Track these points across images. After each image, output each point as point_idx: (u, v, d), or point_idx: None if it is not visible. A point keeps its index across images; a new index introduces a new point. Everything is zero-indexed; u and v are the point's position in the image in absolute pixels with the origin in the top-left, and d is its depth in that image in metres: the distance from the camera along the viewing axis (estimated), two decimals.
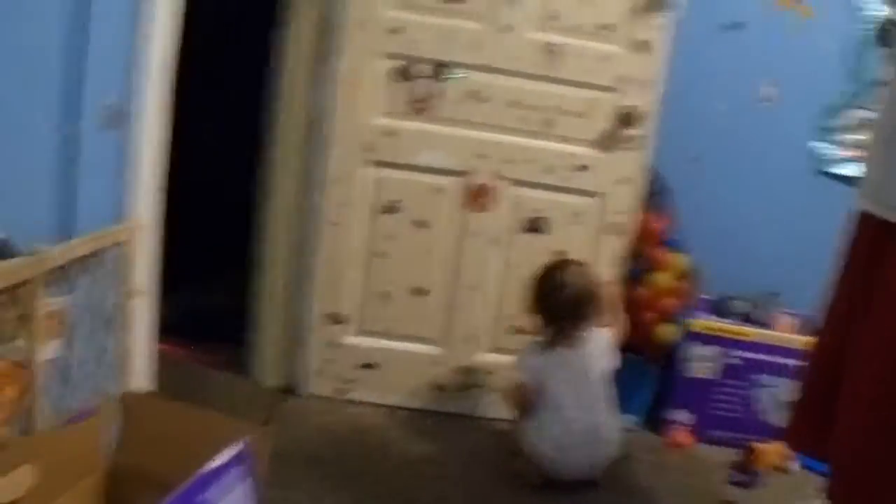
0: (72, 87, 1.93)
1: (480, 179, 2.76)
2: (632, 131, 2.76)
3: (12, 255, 1.67)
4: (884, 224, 1.60)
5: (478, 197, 2.77)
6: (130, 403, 1.83)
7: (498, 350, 2.86)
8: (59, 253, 1.83)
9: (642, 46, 2.74)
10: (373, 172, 2.75)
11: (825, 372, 1.73)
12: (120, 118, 2.15)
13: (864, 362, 1.59)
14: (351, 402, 2.86)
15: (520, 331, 2.76)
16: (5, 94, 1.71)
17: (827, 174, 3.13)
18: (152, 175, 2.32)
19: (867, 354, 1.58)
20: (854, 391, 1.60)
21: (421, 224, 2.78)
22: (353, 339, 2.85)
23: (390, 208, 2.77)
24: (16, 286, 1.67)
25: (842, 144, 3.13)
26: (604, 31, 2.73)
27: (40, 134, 1.88)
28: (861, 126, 3.09)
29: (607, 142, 2.77)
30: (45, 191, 1.92)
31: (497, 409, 2.81)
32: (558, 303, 2.51)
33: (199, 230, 2.98)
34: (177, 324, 2.68)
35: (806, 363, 1.86)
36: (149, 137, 2.28)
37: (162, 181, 2.35)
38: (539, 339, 2.57)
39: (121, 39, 2.15)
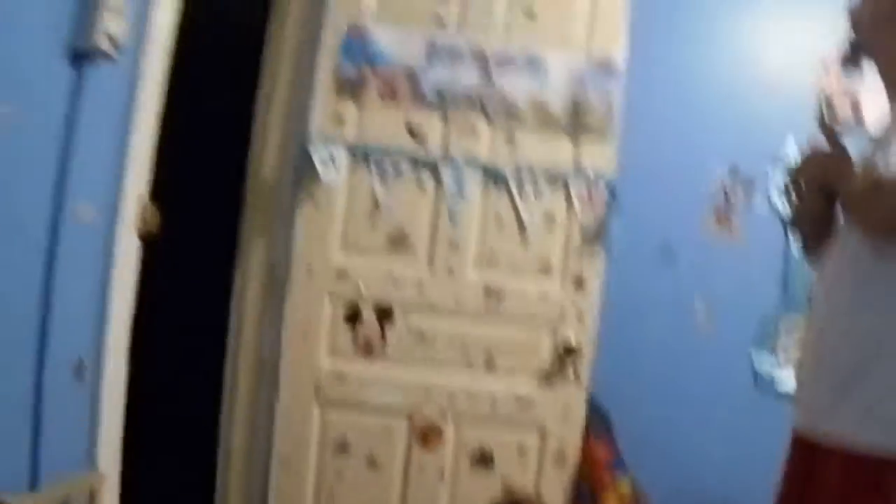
0: (40, 342, 2.05)
1: (427, 418, 2.83)
2: (572, 364, 2.86)
3: None
4: (813, 445, 1.64)
5: (425, 435, 2.84)
6: None
7: None
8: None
9: (578, 282, 2.87)
10: (323, 413, 2.81)
11: None
12: (85, 373, 2.24)
13: None
14: None
15: None
16: None
17: (767, 390, 3.23)
18: (116, 427, 2.40)
19: None
20: None
21: (371, 463, 2.83)
22: None
23: (341, 448, 2.82)
24: None
25: (780, 350, 3.23)
26: (541, 270, 2.86)
27: (9, 386, 1.97)
28: (795, 329, 3.20)
29: (548, 377, 2.87)
30: (12, 441, 2.00)
31: None
32: None
33: (159, 474, 3.01)
34: None
35: None
36: (112, 391, 2.37)
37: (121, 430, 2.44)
38: None
39: (87, 296, 2.27)
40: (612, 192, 2.90)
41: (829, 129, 1.76)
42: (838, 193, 1.66)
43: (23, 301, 2.03)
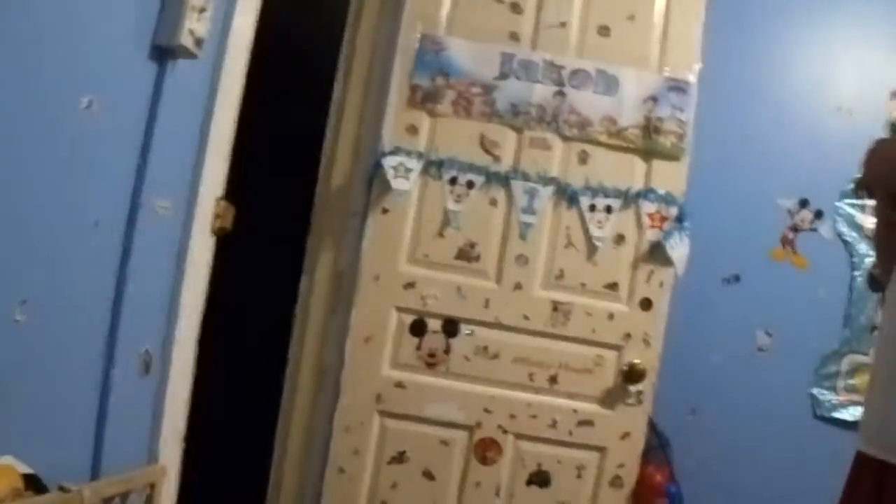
0: (110, 334, 2.06)
1: (486, 433, 2.81)
2: (634, 387, 2.83)
3: (40, 492, 1.70)
4: (883, 466, 1.65)
5: (483, 450, 2.81)
6: None
7: None
8: (89, 493, 1.87)
9: (645, 304, 2.85)
10: (382, 423, 2.80)
11: None
12: (152, 366, 2.25)
13: None
14: None
15: None
16: (53, 336, 1.83)
17: (825, 419, 3.19)
18: (179, 421, 2.41)
19: None
20: None
21: (427, 475, 2.81)
22: None
23: (398, 459, 2.80)
24: None
25: (839, 389, 3.20)
26: (608, 289, 2.84)
27: (78, 376, 1.99)
28: (857, 370, 3.17)
29: (611, 397, 2.84)
30: (77, 430, 2.01)
31: None
32: None
33: (213, 470, 3.00)
34: None
35: None
36: (177, 385, 2.37)
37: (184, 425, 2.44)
38: None
39: (159, 290, 2.30)
40: (682, 214, 2.87)
41: None
42: None
43: (96, 292, 2.04)
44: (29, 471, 1.70)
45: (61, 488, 1.77)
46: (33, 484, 1.71)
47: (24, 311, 1.73)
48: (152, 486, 2.25)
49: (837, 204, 3.16)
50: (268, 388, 2.93)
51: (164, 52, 2.14)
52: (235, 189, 2.60)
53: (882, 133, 3.15)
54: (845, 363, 3.20)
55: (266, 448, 2.90)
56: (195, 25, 2.17)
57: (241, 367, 3.38)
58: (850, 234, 3.17)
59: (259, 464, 2.93)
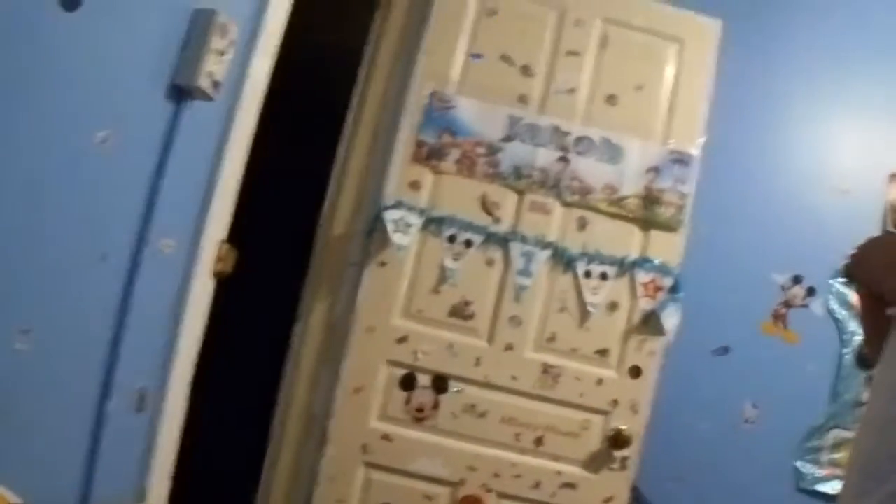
0: (108, 368, 2.07)
1: (470, 490, 2.83)
2: (620, 452, 2.85)
3: None
4: None
5: None
6: None
7: None
8: None
9: (634, 371, 2.88)
10: (367, 474, 2.82)
11: None
12: (146, 403, 2.27)
13: None
14: None
15: None
16: (51, 367, 1.84)
17: (808, 492, 3.21)
18: (168, 459, 2.42)
19: None
20: None
21: None
22: None
23: None
24: None
25: (822, 463, 3.22)
26: (599, 355, 2.87)
27: (73, 408, 2.00)
28: (841, 445, 3.19)
29: (595, 462, 2.86)
30: (68, 462, 2.01)
31: None
32: None
33: None
34: None
35: None
36: (169, 424, 2.38)
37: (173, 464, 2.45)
38: None
39: (156, 331, 2.30)
40: (676, 284, 2.91)
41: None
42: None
43: (98, 325, 2.05)
44: (19, 502, 1.72)
45: None
46: None
47: (25, 340, 1.74)
48: None
49: (830, 282, 3.20)
50: (256, 433, 2.94)
51: (182, 93, 2.17)
52: (237, 230, 2.62)
53: (878, 214, 3.20)
54: (830, 437, 3.22)
55: (251, 493, 2.91)
56: (214, 68, 2.19)
57: (230, 409, 3.40)
58: (841, 312, 3.20)
59: None
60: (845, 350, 3.20)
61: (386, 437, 2.81)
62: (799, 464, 3.19)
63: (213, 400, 3.08)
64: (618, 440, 2.85)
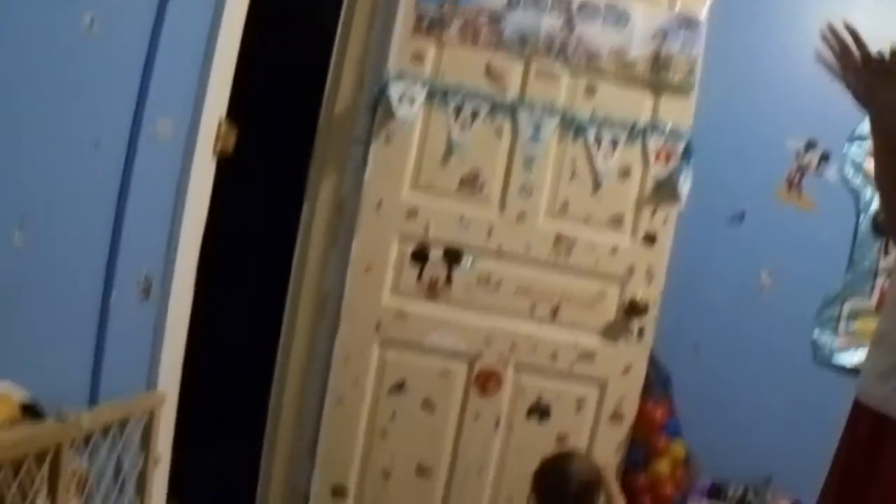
0: (109, 258, 2.03)
1: (487, 364, 2.80)
2: (636, 321, 2.82)
3: (40, 418, 1.69)
4: (879, 416, 1.63)
5: (483, 381, 2.80)
6: None
7: None
8: (88, 420, 1.85)
9: (649, 238, 2.83)
10: (381, 352, 2.79)
11: None
12: (152, 292, 2.23)
13: None
14: None
15: None
16: (51, 259, 1.81)
17: (825, 363, 3.18)
18: (178, 348, 2.38)
19: None
20: None
21: (426, 405, 2.80)
22: None
23: (397, 389, 2.79)
24: (43, 448, 1.69)
25: (840, 333, 3.19)
26: (612, 223, 2.82)
27: (76, 300, 1.96)
28: (858, 315, 3.16)
29: (612, 331, 2.83)
30: (76, 355, 1.99)
31: None
32: (563, 499, 2.51)
33: (210, 397, 2.99)
34: (184, 484, 2.67)
35: None
36: (177, 312, 2.34)
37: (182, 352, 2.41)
38: None
39: (158, 216, 2.26)
40: (688, 150, 2.84)
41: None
42: None
43: (96, 214, 2.00)
44: (27, 397, 1.68)
45: (59, 415, 1.75)
46: (31, 413, 1.68)
47: (22, 232, 1.70)
48: (151, 413, 2.23)
49: (845, 148, 3.13)
50: (267, 316, 2.90)
51: None
52: (238, 114, 2.56)
53: None
54: (847, 307, 3.18)
55: (265, 377, 2.89)
56: None
57: (240, 294, 3.37)
58: (855, 180, 3.14)
59: (258, 393, 2.92)
60: (861, 217, 3.15)
61: (399, 314, 2.77)
62: (816, 333, 3.16)
63: (223, 288, 3.06)
64: (634, 308, 2.81)
